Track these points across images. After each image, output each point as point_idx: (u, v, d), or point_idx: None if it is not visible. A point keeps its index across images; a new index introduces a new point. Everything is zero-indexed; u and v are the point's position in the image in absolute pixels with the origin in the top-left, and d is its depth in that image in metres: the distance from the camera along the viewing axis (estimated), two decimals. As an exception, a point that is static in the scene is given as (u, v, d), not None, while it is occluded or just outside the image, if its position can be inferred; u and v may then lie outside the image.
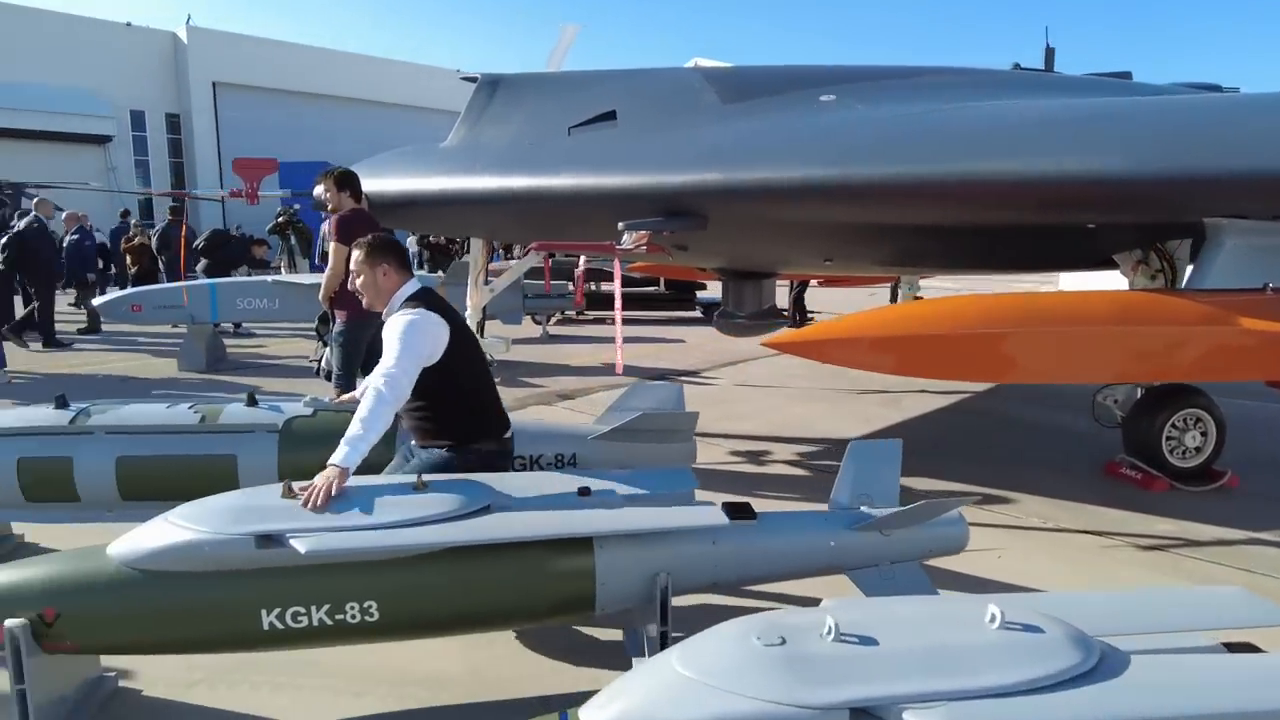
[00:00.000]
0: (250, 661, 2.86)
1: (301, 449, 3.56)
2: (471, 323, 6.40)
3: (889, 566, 3.03)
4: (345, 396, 3.75)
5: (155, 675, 2.83)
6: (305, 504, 2.47)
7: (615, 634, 3.15)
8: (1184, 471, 4.89)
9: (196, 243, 11.14)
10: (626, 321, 12.30)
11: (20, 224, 9.90)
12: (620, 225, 4.44)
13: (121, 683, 2.80)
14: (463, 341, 3.04)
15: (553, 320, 11.33)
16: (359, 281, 3.13)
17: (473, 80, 5.79)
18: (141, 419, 3.59)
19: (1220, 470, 4.91)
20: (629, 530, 2.64)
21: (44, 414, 3.62)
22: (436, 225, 6.43)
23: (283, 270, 12.80)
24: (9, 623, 2.30)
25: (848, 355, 3.74)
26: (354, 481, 2.81)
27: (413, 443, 3.14)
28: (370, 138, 39.75)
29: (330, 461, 2.60)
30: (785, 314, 6.58)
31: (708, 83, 5.13)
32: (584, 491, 2.77)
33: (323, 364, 5.59)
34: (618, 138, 4.88)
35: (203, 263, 11.08)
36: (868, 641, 1.86)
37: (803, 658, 1.79)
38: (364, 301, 3.17)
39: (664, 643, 2.69)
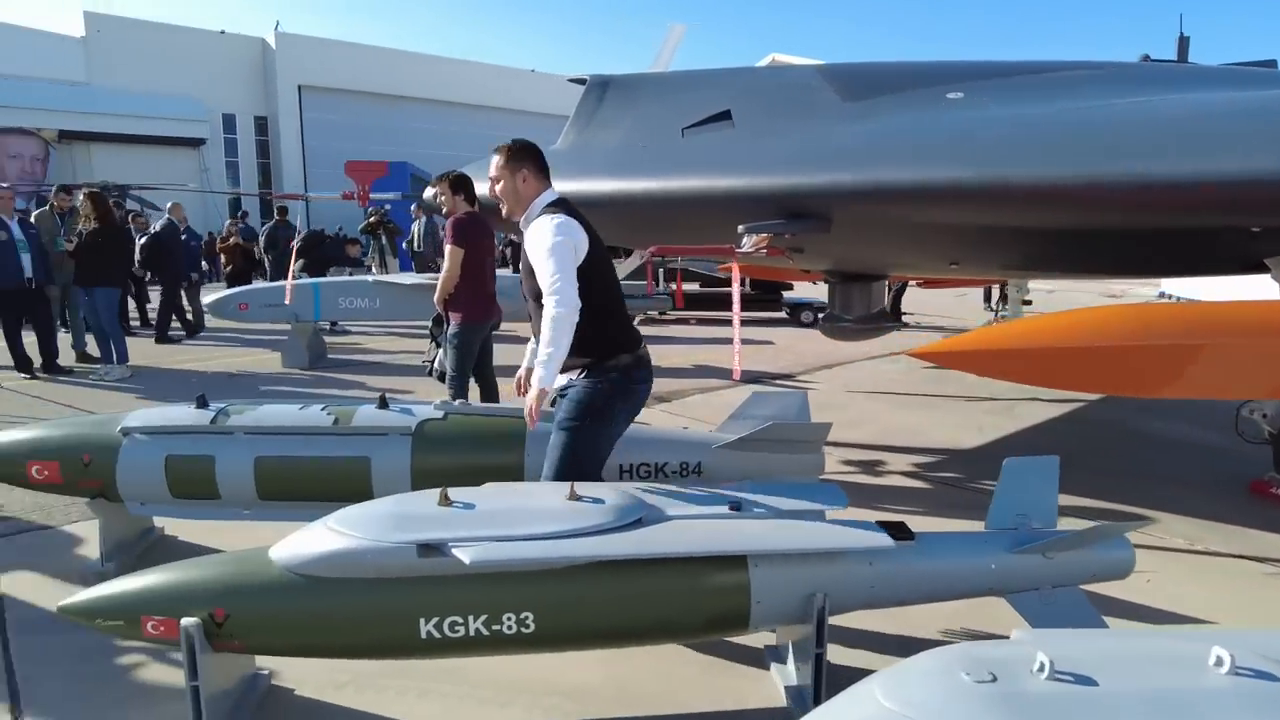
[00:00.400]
0: (396, 666, 2.88)
1: (434, 452, 3.59)
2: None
3: (1050, 591, 2.87)
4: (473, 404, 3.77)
5: (303, 676, 2.86)
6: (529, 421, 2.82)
7: (754, 647, 3.06)
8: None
9: (294, 242, 11.49)
10: (710, 323, 12.29)
11: (157, 226, 10.56)
12: (741, 228, 4.34)
13: (273, 682, 2.84)
14: (598, 252, 3.05)
15: (635, 320, 11.27)
16: (498, 188, 3.13)
17: (580, 82, 5.76)
18: (278, 420, 3.66)
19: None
20: (789, 550, 2.55)
21: (187, 413, 3.73)
22: None
23: (373, 269, 13.10)
24: (185, 621, 2.35)
25: (1008, 368, 3.56)
26: (504, 489, 2.80)
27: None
28: (447, 137, 40.91)
29: (533, 382, 2.83)
30: (894, 318, 6.35)
31: (825, 81, 4.98)
32: (735, 506, 2.70)
33: (435, 365, 5.65)
34: (735, 139, 4.78)
35: (299, 262, 11.44)
36: (1085, 681, 1.72)
37: (1018, 697, 1.67)
38: (503, 210, 3.17)
39: (819, 664, 2.60)
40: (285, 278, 8.93)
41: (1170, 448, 6.04)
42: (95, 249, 7.76)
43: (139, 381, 8.01)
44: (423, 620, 2.40)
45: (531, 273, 3.00)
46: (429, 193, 6.00)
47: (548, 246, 2.88)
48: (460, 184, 5.25)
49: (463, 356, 5.25)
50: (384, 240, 13.26)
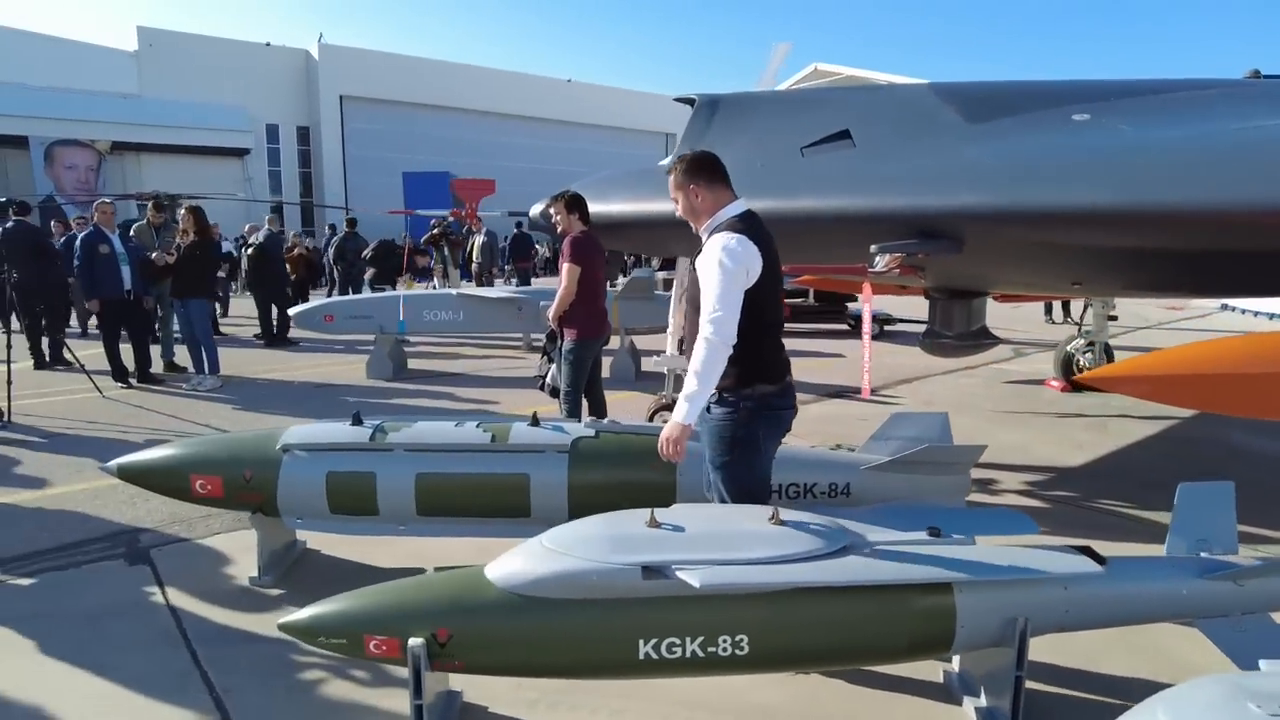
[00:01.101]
0: (581, 684, 2.92)
1: (589, 468, 3.66)
2: (672, 342, 6.46)
3: (1239, 618, 2.87)
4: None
5: (493, 694, 2.91)
6: (663, 453, 2.82)
7: (931, 669, 3.08)
8: None
9: (365, 252, 11.69)
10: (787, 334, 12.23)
11: (260, 237, 10.95)
12: (873, 248, 4.37)
13: (464, 699, 2.91)
14: (771, 276, 2.95)
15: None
16: (679, 209, 3.10)
17: (688, 102, 5.82)
18: (437, 437, 3.75)
19: None
20: (1001, 577, 2.57)
21: (344, 430, 3.82)
22: (663, 248, 6.49)
23: (436, 280, 13.28)
24: (412, 642, 2.42)
25: (1183, 393, 3.57)
26: (703, 512, 2.86)
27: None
28: (486, 147, 41.45)
29: (673, 419, 2.81)
30: (990, 334, 6.31)
31: (944, 101, 5.00)
32: (933, 531, 2.72)
33: (548, 380, 5.73)
34: (858, 158, 4.81)
35: (370, 271, 11.65)
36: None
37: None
38: (694, 227, 3.09)
39: (1018, 688, 2.62)
40: (356, 290, 9.09)
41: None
42: (193, 261, 7.97)
43: (230, 391, 8.20)
44: (641, 641, 2.44)
45: (695, 285, 2.98)
46: (536, 210, 6.08)
47: (716, 268, 2.80)
48: (575, 203, 5.33)
49: (578, 372, 5.32)
50: (445, 252, 13.45)
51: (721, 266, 2.80)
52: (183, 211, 8.18)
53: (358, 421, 3.86)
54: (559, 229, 5.42)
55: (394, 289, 10.80)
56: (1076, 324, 8.80)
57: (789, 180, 4.93)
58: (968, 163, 4.49)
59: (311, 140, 39.92)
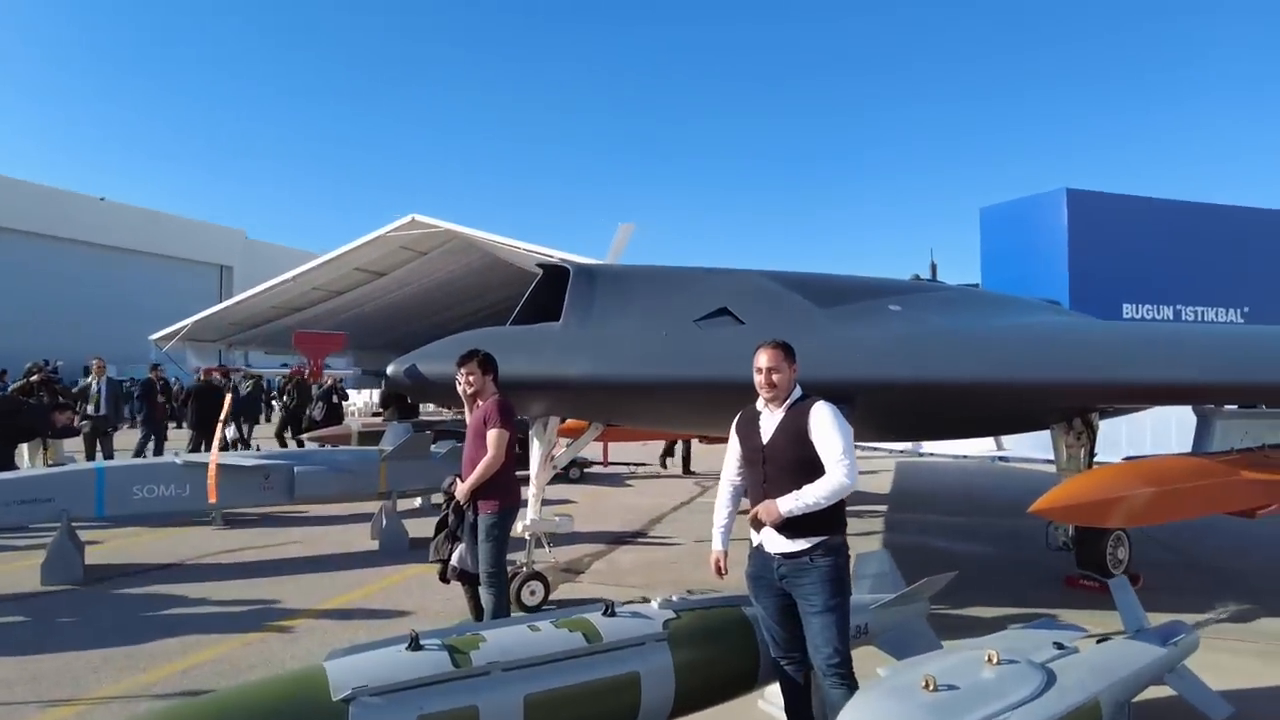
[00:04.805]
0: None
1: (689, 650, 3.56)
2: (535, 505, 6.23)
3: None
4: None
5: None
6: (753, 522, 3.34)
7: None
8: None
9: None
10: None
11: None
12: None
13: None
14: None
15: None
16: (777, 377, 3.52)
17: (551, 269, 6.08)
18: (531, 649, 3.28)
19: (1136, 574, 6.86)
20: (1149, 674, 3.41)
21: (407, 660, 3.10)
22: (567, 409, 6.17)
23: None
24: None
25: (1111, 514, 4.91)
26: (937, 662, 3.11)
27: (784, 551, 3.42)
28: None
29: (778, 507, 3.32)
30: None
31: (789, 289, 6.10)
32: (1059, 645, 3.41)
33: (454, 563, 5.05)
34: (749, 334, 5.57)
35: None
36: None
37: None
38: (770, 398, 3.54)
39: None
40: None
41: (979, 562, 7.98)
42: None
43: None
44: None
45: (798, 442, 3.41)
46: (430, 368, 5.50)
47: (840, 427, 3.38)
48: (492, 363, 5.06)
49: (503, 549, 4.91)
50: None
51: (845, 427, 3.43)
52: None
53: (416, 645, 3.18)
54: (468, 391, 5.03)
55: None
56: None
57: (694, 350, 5.48)
58: (839, 341, 5.58)
59: None
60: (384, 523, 7.98)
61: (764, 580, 3.51)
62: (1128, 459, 6.32)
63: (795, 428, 3.44)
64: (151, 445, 12.43)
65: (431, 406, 14.85)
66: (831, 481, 3.29)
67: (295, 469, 7.36)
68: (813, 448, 3.38)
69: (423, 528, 8.22)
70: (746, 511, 3.57)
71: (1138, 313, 16.18)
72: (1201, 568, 7.52)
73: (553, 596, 6.07)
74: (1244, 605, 6.19)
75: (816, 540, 3.36)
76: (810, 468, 3.37)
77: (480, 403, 5.04)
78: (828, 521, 3.37)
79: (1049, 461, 15.61)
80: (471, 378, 5.01)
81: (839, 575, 3.37)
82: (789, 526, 3.38)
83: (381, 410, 15.37)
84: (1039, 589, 6.84)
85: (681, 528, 9.35)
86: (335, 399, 14.71)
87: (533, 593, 5.95)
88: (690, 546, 8.23)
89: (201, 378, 14.86)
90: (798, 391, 3.59)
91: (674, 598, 3.94)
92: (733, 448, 3.76)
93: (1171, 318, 16.47)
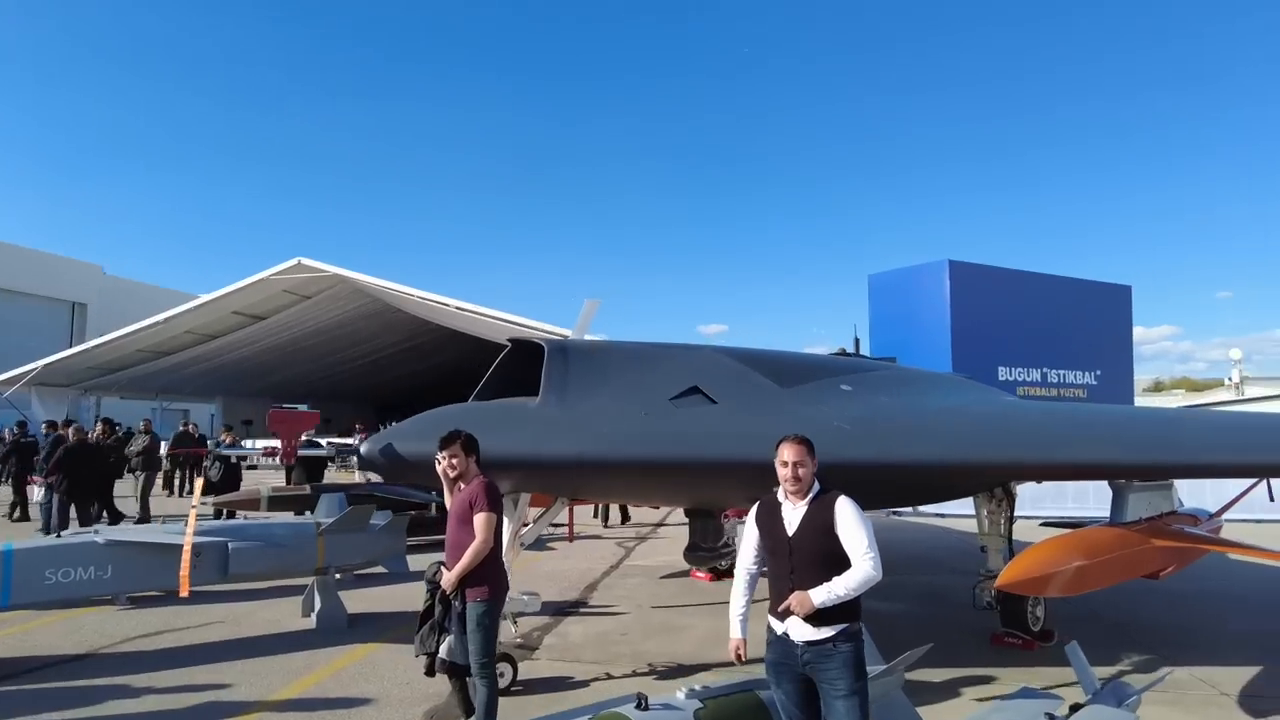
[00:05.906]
0: None
1: (716, 744, 3.66)
2: (512, 578, 6.14)
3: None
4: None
5: None
6: (781, 612, 3.55)
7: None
8: (1036, 634, 7.32)
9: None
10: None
11: None
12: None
13: None
14: None
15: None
16: (802, 471, 3.72)
17: (522, 344, 6.15)
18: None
19: (1050, 630, 7.47)
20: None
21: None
22: (539, 486, 6.04)
23: None
24: None
25: (1070, 584, 5.37)
26: None
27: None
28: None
29: (811, 598, 3.50)
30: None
31: (750, 367, 6.40)
32: (1074, 708, 3.77)
33: (442, 655, 4.87)
34: (723, 414, 5.81)
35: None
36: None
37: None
38: (795, 491, 3.74)
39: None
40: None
41: (907, 621, 8.43)
42: None
43: None
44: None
45: (825, 535, 3.63)
46: (408, 448, 5.36)
47: (864, 522, 3.63)
48: (474, 445, 5.01)
49: (493, 638, 4.82)
50: None
51: (867, 521, 3.69)
52: None
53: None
54: (450, 474, 4.96)
55: None
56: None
57: (673, 430, 5.67)
58: (804, 423, 5.91)
59: None
60: (317, 600, 7.62)
61: (786, 667, 3.68)
62: (1046, 523, 6.98)
63: (821, 521, 3.65)
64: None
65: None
66: (860, 574, 3.52)
67: (229, 545, 6.91)
68: (838, 541, 3.60)
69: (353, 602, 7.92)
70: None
71: (1011, 375, 17.75)
72: (1106, 622, 8.26)
73: (518, 677, 5.99)
74: (1146, 656, 6.89)
75: (840, 628, 3.58)
76: (836, 560, 3.59)
77: (463, 485, 4.99)
78: (849, 610, 3.60)
79: (940, 515, 16.91)
80: (455, 460, 4.92)
81: (859, 659, 3.61)
82: (815, 616, 3.57)
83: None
84: (968, 647, 7.32)
85: (619, 594, 9.38)
86: (233, 459, 13.86)
87: (501, 674, 5.84)
88: (636, 615, 8.28)
89: (61, 432, 13.47)
90: (816, 485, 3.80)
91: (697, 687, 4.04)
92: (750, 537, 3.93)
93: (1039, 380, 18.16)
